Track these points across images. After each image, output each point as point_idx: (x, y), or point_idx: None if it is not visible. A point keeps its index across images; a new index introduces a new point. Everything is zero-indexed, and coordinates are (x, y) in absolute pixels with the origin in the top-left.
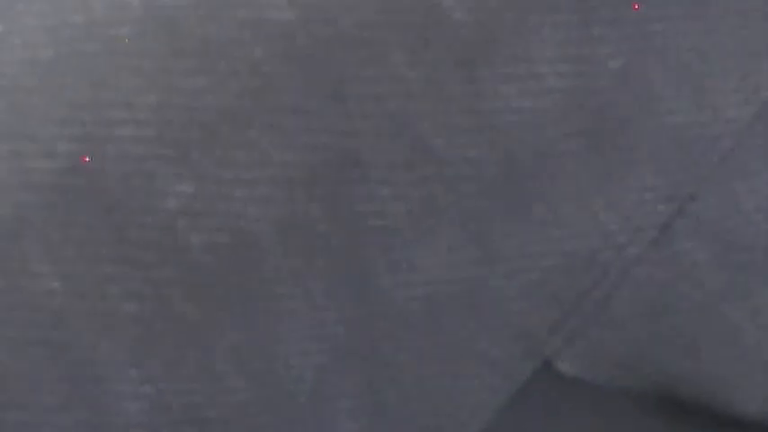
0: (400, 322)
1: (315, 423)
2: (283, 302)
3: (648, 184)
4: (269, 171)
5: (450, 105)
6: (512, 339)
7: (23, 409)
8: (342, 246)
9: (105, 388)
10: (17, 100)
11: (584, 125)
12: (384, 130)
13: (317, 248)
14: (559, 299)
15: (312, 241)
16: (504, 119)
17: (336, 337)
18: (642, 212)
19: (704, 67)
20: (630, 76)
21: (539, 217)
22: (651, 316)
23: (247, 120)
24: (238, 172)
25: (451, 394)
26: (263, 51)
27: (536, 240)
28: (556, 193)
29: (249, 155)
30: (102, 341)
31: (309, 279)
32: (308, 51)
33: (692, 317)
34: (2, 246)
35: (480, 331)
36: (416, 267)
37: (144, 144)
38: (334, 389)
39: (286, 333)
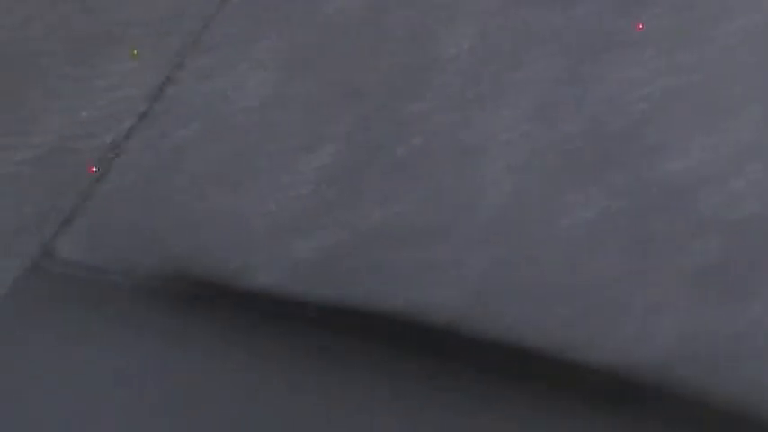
0: None
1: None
2: None
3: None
4: None
5: None
6: (7, 226)
7: None
8: None
9: None
10: None
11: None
12: None
13: None
14: (49, 185)
15: None
16: None
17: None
18: (118, 104)
19: None
20: None
21: (25, 114)
22: (141, 198)
23: None
24: None
25: None
26: None
27: (23, 133)
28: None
29: None
30: None
31: None
32: None
33: (179, 198)
34: None
35: None
36: None
37: None
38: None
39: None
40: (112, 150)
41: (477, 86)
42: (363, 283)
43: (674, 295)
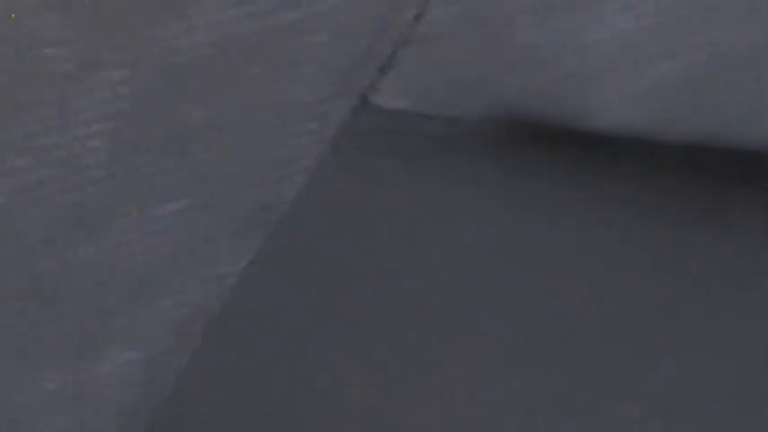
0: (191, 71)
1: (118, 196)
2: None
3: None
4: None
5: None
6: (320, 77)
7: None
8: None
9: None
10: None
11: None
12: None
13: None
14: (363, 24)
15: None
16: None
17: (124, 98)
18: None
19: None
20: None
21: None
22: (476, 29)
23: None
24: None
25: (267, 143)
26: None
27: None
28: None
29: None
30: None
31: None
32: None
33: (522, 26)
34: None
35: (283, 73)
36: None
37: None
38: (132, 155)
39: (72, 105)
40: None
41: None
42: (727, 114)
43: None
